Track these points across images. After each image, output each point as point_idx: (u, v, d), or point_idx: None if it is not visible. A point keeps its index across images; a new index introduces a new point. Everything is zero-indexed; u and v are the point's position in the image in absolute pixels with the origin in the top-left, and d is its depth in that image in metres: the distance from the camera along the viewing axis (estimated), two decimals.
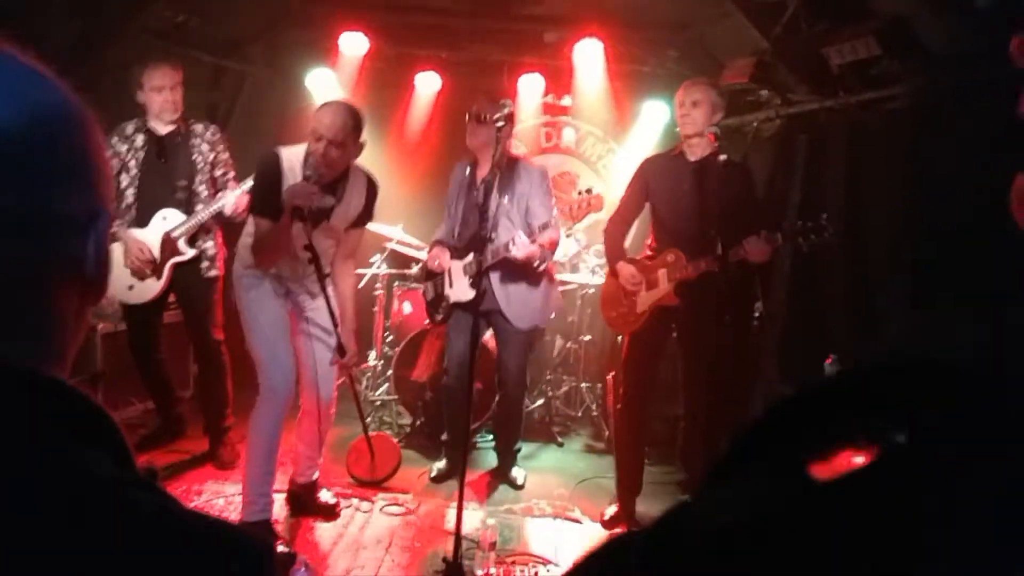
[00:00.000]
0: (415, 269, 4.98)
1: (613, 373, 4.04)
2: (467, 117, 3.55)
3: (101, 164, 0.63)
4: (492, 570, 2.91)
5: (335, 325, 3.09)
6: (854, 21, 3.72)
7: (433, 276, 3.84)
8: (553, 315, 4.12)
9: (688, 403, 3.59)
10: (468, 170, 3.71)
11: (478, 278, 3.09)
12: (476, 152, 3.61)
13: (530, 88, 5.63)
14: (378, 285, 4.96)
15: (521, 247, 3.34)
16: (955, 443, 0.29)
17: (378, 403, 4.75)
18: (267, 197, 2.93)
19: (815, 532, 0.29)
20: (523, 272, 3.60)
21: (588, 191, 3.28)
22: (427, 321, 4.40)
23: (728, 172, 3.23)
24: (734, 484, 0.35)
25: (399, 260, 5.08)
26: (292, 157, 2.98)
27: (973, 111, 3.33)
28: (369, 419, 3.71)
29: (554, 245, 3.56)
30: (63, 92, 0.61)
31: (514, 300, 3.64)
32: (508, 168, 3.57)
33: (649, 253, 3.54)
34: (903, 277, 3.68)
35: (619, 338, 4.64)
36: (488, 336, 4.20)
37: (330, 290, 3.10)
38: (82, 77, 4.06)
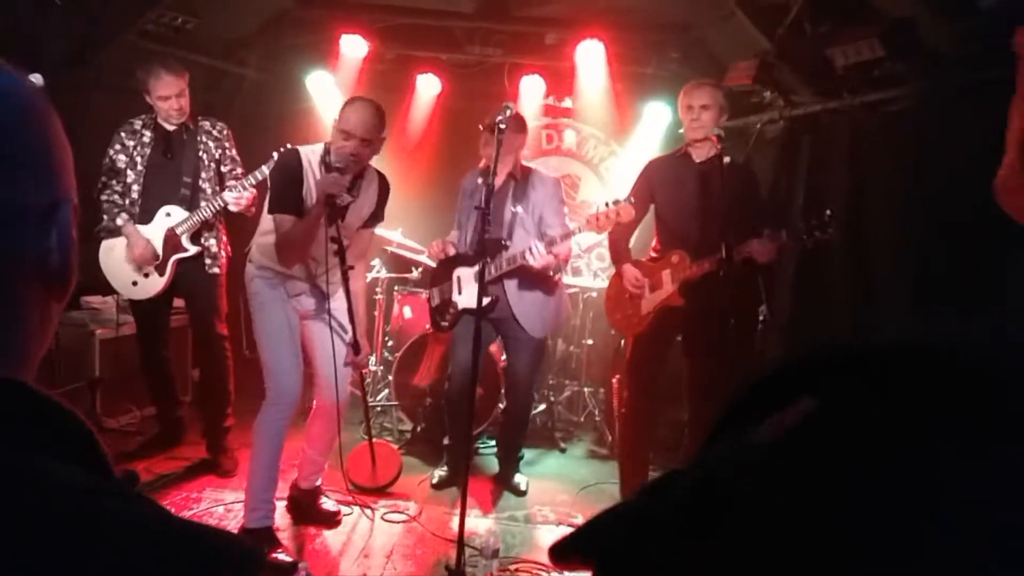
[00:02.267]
0: (415, 273, 4.94)
1: (618, 376, 4.01)
2: (481, 128, 3.54)
3: (61, 154, 0.60)
4: None
5: (352, 323, 3.08)
6: (858, 23, 3.69)
7: (439, 282, 3.81)
8: (561, 325, 4.11)
9: (693, 407, 3.57)
10: (480, 179, 3.69)
11: (489, 283, 3.07)
12: (489, 161, 3.58)
13: (531, 90, 5.60)
14: (378, 289, 4.93)
15: (538, 256, 3.33)
16: (858, 412, 0.32)
17: (378, 409, 4.72)
18: (289, 194, 2.93)
19: (737, 485, 0.33)
20: (538, 280, 3.59)
21: (616, 202, 3.26)
22: (428, 326, 4.37)
23: (733, 173, 3.22)
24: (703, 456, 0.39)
25: (399, 264, 5.05)
26: (311, 155, 3.01)
27: (977, 112, 3.30)
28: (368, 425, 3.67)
29: (568, 257, 3.58)
30: (17, 80, 0.58)
31: (529, 308, 3.62)
32: (523, 178, 3.60)
33: (653, 255, 3.52)
34: (907, 279, 3.65)
35: (622, 341, 4.61)
36: (492, 345, 4.17)
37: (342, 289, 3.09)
38: (80, 80, 4.05)
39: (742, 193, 3.30)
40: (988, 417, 0.30)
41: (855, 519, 0.29)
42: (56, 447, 0.49)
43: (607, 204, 3.28)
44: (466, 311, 3.66)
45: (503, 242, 3.51)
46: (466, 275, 3.65)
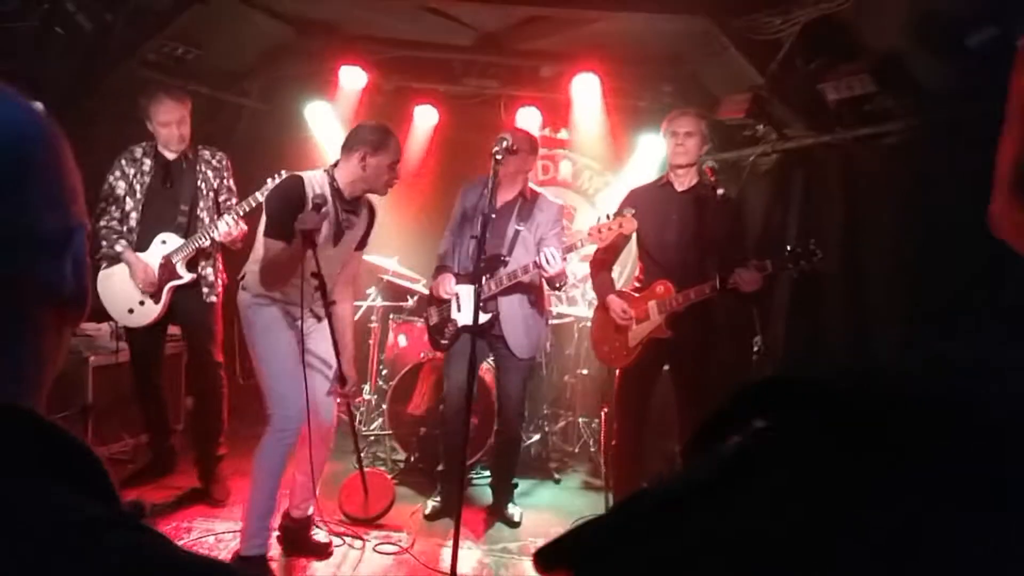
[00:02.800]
0: (411, 302, 4.94)
1: (606, 409, 3.98)
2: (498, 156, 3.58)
3: (74, 181, 0.62)
4: None
5: (337, 354, 3.09)
6: (849, 58, 3.76)
7: (437, 301, 3.81)
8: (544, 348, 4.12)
9: (684, 437, 3.55)
10: (484, 195, 3.70)
11: (487, 300, 3.19)
12: (502, 180, 3.61)
13: (527, 121, 5.65)
14: (373, 318, 4.92)
15: (555, 264, 3.34)
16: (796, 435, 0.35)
17: (372, 438, 4.69)
18: (287, 219, 2.93)
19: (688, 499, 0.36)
20: (529, 301, 3.62)
21: (619, 214, 3.29)
22: (422, 354, 4.36)
23: (715, 203, 3.25)
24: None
25: (394, 293, 5.06)
26: (313, 181, 3.03)
27: (968, 146, 3.35)
28: (362, 454, 3.64)
29: (563, 275, 3.58)
30: (31, 111, 0.60)
31: (519, 329, 3.63)
32: (531, 198, 3.64)
33: (636, 285, 3.53)
34: (902, 311, 3.67)
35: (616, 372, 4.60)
36: (484, 369, 4.16)
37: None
38: (81, 109, 4.09)
39: (724, 222, 3.32)
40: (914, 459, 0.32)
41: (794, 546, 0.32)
42: (67, 477, 0.50)
43: (608, 216, 3.30)
44: (466, 328, 3.66)
45: (503, 258, 3.53)
46: (465, 292, 3.65)
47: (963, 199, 3.29)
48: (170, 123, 3.59)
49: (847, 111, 3.88)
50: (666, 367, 3.57)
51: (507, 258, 3.54)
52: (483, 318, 3.53)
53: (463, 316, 3.64)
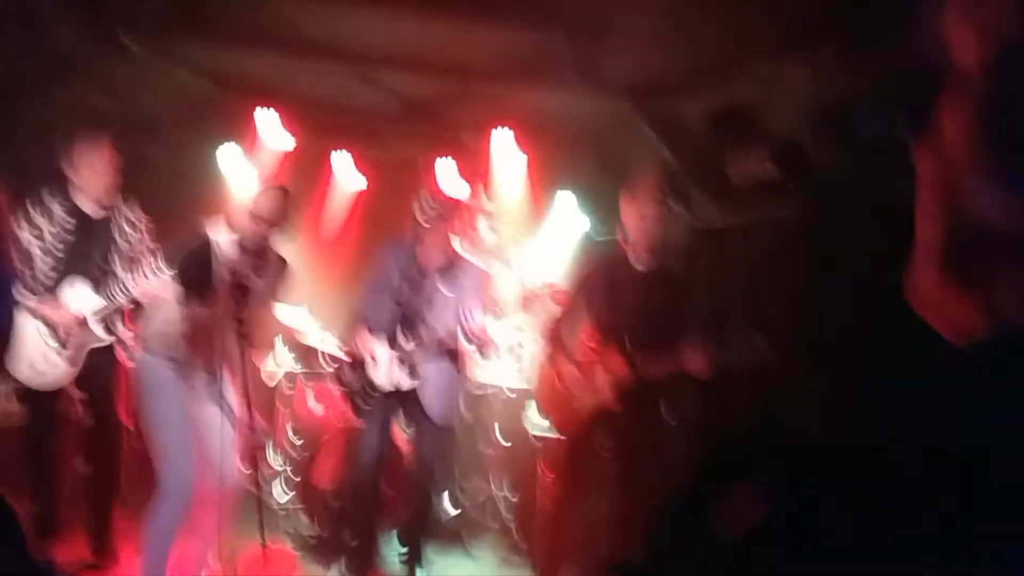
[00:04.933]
0: (329, 368, 4.78)
1: (552, 476, 3.92)
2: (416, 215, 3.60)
3: (3, 228, 0.60)
4: None
5: (246, 403, 3.05)
6: (754, 143, 3.98)
7: (358, 366, 3.71)
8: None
9: (619, 506, 3.50)
10: (408, 256, 3.67)
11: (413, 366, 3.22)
12: (429, 245, 3.61)
13: (444, 173, 5.61)
14: (287, 383, 4.76)
15: (477, 327, 3.36)
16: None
17: (282, 512, 4.46)
18: (201, 281, 2.93)
19: None
20: (449, 367, 3.59)
21: (549, 284, 3.32)
22: (335, 418, 4.24)
23: (670, 282, 3.34)
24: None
25: (310, 356, 4.91)
26: (216, 236, 3.04)
27: (862, 228, 3.58)
28: (269, 528, 3.47)
29: (489, 342, 3.58)
30: None
31: (438, 395, 3.60)
32: (452, 262, 3.64)
33: (588, 354, 3.54)
34: (806, 386, 3.81)
35: (539, 444, 4.57)
36: (402, 438, 4.07)
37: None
38: None
39: (678, 301, 3.40)
40: None
41: None
42: None
43: (534, 286, 3.35)
44: (387, 394, 3.59)
45: (428, 322, 3.51)
46: (388, 355, 3.59)
47: (859, 277, 3.50)
48: (103, 172, 3.45)
49: (751, 193, 4.09)
50: (610, 440, 3.57)
51: (435, 325, 3.52)
52: (411, 384, 3.49)
53: (387, 381, 3.57)
